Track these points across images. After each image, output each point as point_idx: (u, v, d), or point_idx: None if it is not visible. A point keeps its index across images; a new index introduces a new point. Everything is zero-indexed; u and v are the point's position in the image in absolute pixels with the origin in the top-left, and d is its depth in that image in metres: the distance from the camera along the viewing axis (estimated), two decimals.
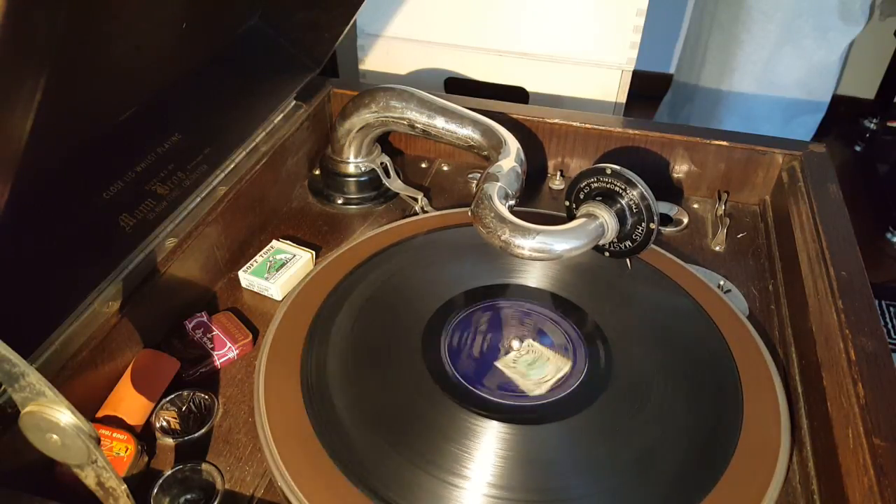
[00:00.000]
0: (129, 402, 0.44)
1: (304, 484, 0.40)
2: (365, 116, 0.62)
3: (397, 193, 0.67)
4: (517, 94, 1.01)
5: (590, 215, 0.52)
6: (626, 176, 0.52)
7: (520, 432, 0.43)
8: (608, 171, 0.52)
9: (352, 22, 0.65)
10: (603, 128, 0.67)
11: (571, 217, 0.55)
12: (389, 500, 0.39)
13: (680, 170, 0.68)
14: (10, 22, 0.25)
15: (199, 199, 0.55)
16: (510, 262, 0.56)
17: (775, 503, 0.40)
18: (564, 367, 0.48)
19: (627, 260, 0.56)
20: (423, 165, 0.73)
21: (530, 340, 0.49)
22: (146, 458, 0.42)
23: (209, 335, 0.50)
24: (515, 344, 0.49)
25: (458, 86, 1.03)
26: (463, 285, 0.54)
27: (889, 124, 1.96)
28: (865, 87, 2.01)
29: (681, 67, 1.50)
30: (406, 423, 0.44)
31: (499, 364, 0.48)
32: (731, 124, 1.28)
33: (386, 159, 0.68)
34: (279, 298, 0.55)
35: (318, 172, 0.70)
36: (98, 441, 0.32)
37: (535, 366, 0.48)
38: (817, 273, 0.50)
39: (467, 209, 0.53)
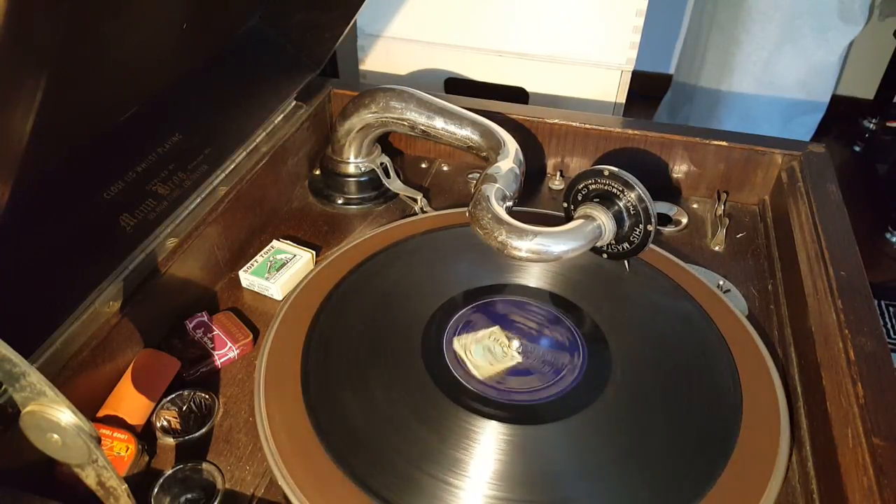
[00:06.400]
0: (129, 402, 0.44)
1: (305, 484, 0.40)
2: (365, 117, 0.62)
3: (397, 194, 0.67)
4: (517, 95, 1.02)
5: (587, 217, 0.52)
6: (624, 178, 0.52)
7: (519, 432, 0.43)
8: (606, 173, 0.52)
9: (352, 22, 0.65)
10: (602, 128, 0.68)
11: (569, 219, 0.55)
12: (389, 500, 0.39)
13: (679, 170, 0.68)
14: (10, 22, 0.25)
15: (199, 199, 0.55)
16: (509, 262, 0.56)
17: (775, 502, 0.40)
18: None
19: (626, 261, 0.56)
20: (423, 166, 0.73)
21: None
22: (147, 458, 0.42)
23: (209, 335, 0.50)
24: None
25: (457, 86, 1.03)
26: (462, 285, 0.54)
27: (888, 124, 1.96)
28: (865, 87, 2.01)
29: (680, 68, 1.50)
30: (406, 422, 0.44)
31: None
32: (730, 124, 1.28)
33: (386, 159, 0.68)
34: (279, 298, 0.55)
35: (318, 172, 0.70)
36: (99, 441, 0.32)
37: (489, 352, 0.49)
38: (817, 273, 0.50)
39: (466, 209, 0.53)
